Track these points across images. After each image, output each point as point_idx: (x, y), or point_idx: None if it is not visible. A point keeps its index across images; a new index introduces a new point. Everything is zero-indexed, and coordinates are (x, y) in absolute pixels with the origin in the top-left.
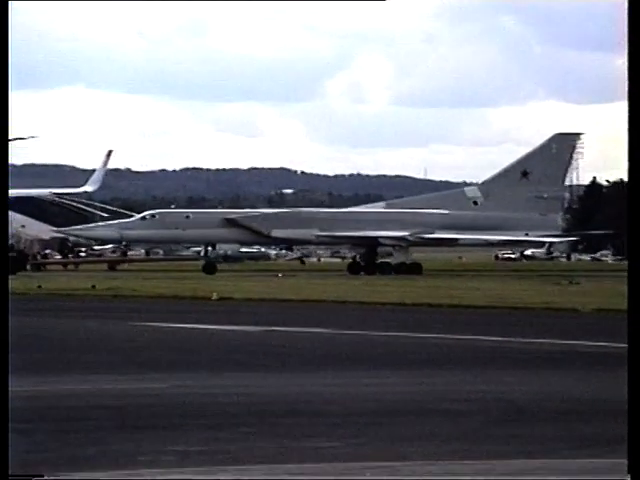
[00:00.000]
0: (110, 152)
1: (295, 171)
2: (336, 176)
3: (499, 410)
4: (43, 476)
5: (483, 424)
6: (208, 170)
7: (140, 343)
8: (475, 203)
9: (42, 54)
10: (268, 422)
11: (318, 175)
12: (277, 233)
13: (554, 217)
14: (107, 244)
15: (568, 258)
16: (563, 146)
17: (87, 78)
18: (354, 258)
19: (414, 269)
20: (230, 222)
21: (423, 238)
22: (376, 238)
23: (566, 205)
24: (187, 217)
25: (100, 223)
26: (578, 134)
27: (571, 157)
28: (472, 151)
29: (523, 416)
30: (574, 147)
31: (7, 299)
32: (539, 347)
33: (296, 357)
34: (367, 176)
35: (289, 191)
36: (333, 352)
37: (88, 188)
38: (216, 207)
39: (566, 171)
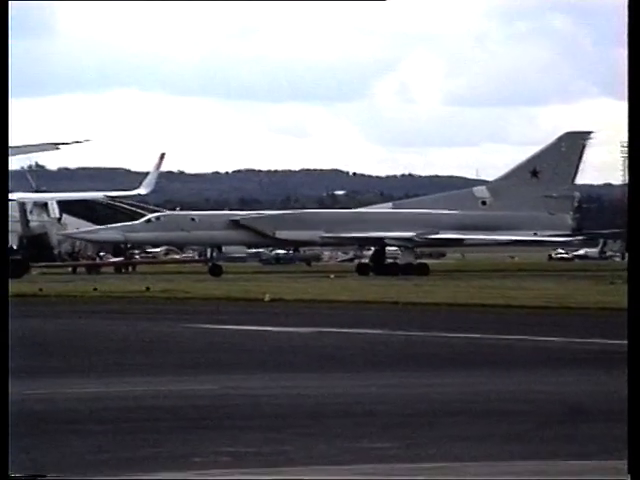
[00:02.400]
0: (163, 155)
1: (347, 172)
2: (387, 177)
3: (554, 411)
4: (44, 476)
5: (538, 425)
6: (260, 172)
7: (194, 345)
8: (484, 203)
9: (95, 57)
10: (322, 423)
11: (370, 176)
12: (282, 235)
13: (564, 217)
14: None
15: (622, 257)
16: (573, 145)
17: (140, 81)
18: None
19: (421, 270)
20: (235, 224)
21: (428, 238)
22: (381, 239)
23: (576, 204)
24: (192, 219)
25: (104, 226)
26: (588, 132)
27: (581, 156)
28: (525, 150)
29: (578, 416)
30: (584, 146)
31: (7, 302)
32: (594, 347)
33: (349, 358)
34: (419, 177)
35: (341, 192)
36: (387, 353)
37: (141, 191)
38: (269, 209)
39: (576, 170)
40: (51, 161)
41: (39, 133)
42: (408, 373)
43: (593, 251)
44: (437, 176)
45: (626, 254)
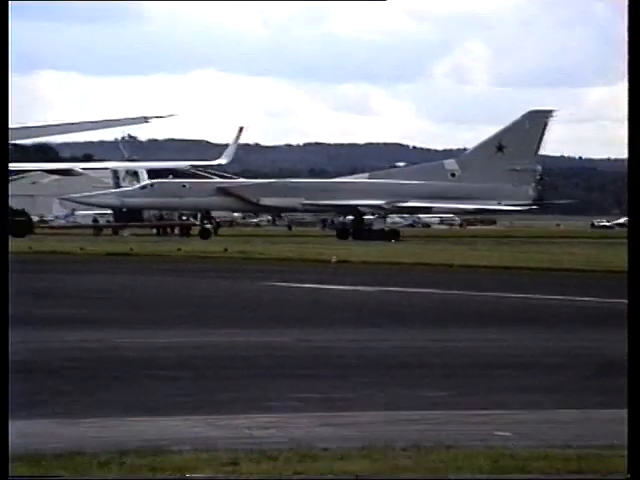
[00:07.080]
0: (241, 129)
1: (407, 146)
2: (445, 150)
3: (595, 365)
4: (42, 477)
5: (580, 377)
6: (328, 145)
7: (268, 300)
8: (453, 175)
9: (176, 40)
10: (382, 373)
11: (429, 150)
12: (265, 201)
13: (526, 188)
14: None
15: None
16: (536, 122)
17: (217, 62)
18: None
19: (392, 235)
20: (222, 191)
21: (398, 206)
22: (356, 206)
23: (538, 177)
24: (183, 186)
25: (102, 191)
26: (550, 111)
27: (543, 132)
28: (570, 127)
29: (619, 370)
30: (546, 123)
31: (7, 281)
32: None
33: (408, 315)
34: None
35: (402, 164)
36: (443, 310)
37: (222, 161)
38: (334, 178)
39: (538, 145)
40: (142, 133)
41: (130, 108)
42: (461, 329)
43: None
44: None
45: None
